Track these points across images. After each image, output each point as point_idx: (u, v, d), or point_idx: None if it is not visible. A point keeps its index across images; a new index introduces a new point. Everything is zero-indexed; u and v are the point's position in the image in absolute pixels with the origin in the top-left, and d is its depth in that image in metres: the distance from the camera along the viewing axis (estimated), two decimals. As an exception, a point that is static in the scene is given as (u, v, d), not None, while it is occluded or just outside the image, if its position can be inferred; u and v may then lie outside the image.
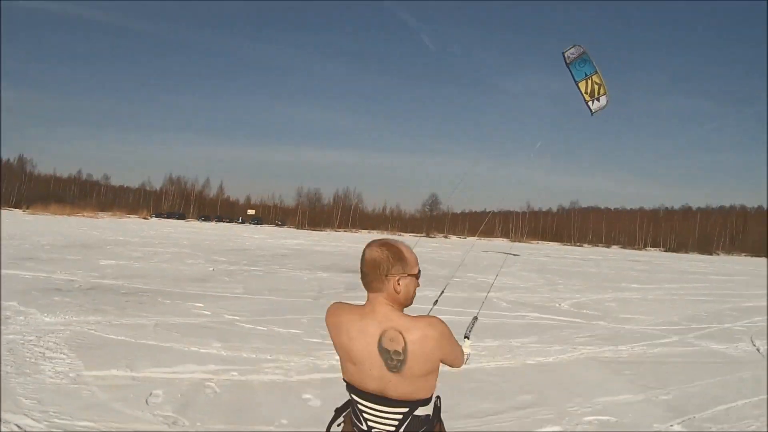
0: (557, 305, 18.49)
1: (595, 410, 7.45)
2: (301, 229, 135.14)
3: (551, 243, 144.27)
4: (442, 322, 2.84)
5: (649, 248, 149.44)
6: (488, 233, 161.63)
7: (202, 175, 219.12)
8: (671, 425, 7.16)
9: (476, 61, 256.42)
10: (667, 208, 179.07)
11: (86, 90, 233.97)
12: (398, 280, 2.85)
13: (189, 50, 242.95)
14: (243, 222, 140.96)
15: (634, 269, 46.15)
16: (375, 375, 2.88)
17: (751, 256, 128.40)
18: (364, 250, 2.96)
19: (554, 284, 26.29)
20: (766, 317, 18.45)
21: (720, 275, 45.71)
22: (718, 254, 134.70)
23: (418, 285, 2.96)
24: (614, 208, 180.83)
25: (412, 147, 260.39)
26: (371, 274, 2.91)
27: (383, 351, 2.83)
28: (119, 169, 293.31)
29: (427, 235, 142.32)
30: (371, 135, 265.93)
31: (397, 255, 2.90)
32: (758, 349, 12.94)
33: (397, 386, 2.87)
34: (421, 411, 2.89)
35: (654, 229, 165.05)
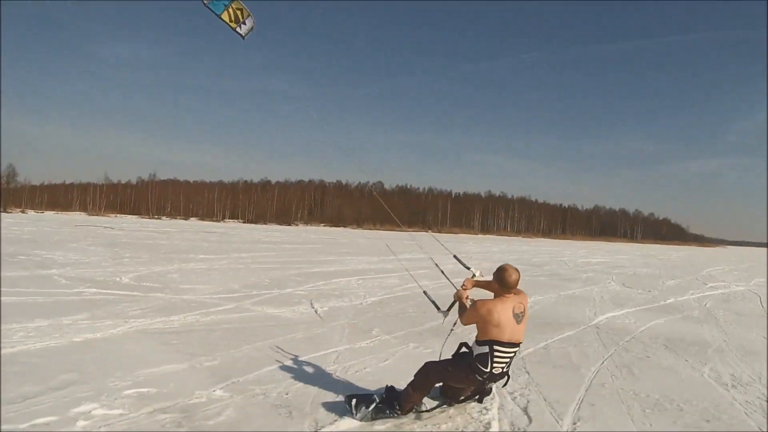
0: (118, 279, 17.72)
1: (135, 383, 7.30)
2: None
3: (129, 216, 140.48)
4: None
5: (227, 220, 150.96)
6: (66, 207, 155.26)
7: None
8: (213, 390, 7.25)
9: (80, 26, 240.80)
10: (246, 181, 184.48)
11: None
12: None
13: None
14: None
15: (207, 240, 46.30)
16: (509, 330, 6.22)
17: (329, 225, 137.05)
18: (510, 270, 6.36)
19: (120, 258, 25.22)
20: (328, 281, 19.71)
21: (293, 244, 47.81)
22: (297, 225, 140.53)
23: None
24: (193, 181, 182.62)
25: None
26: (515, 284, 6.36)
27: (515, 315, 6.29)
28: None
29: (5, 210, 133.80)
30: None
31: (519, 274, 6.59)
32: (316, 311, 13.68)
33: (518, 333, 6.34)
34: None
35: (233, 201, 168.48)
